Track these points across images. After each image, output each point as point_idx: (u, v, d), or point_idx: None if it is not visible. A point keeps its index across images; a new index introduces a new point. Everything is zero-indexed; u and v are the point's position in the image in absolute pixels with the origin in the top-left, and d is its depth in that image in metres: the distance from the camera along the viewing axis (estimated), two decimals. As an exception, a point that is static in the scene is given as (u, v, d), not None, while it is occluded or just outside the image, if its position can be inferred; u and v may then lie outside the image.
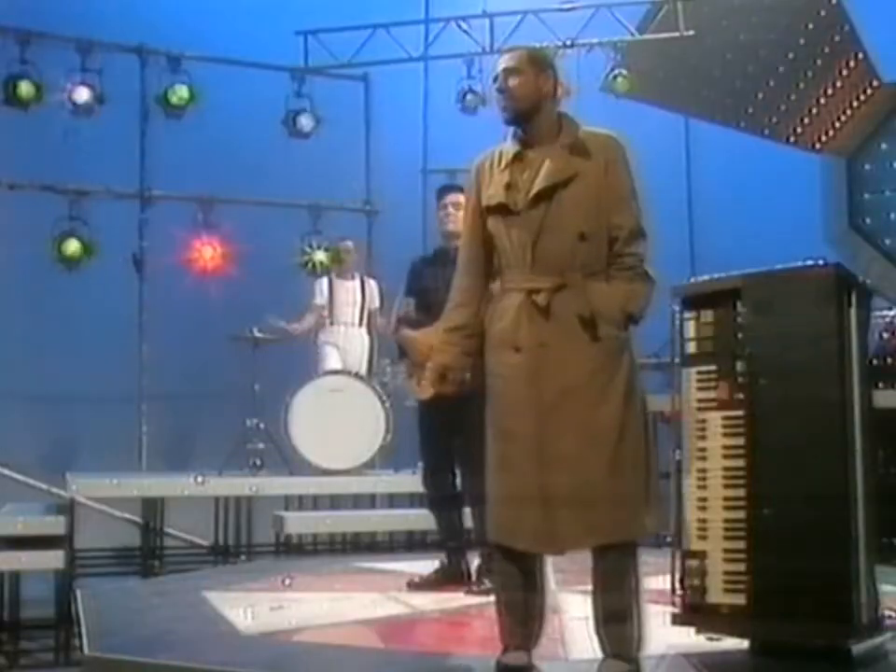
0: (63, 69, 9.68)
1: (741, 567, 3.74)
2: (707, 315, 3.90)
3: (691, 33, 10.16)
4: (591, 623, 3.54)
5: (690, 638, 3.90)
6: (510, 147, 3.58)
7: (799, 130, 10.39)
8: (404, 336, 5.73)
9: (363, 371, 8.78)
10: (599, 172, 3.49)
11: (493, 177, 3.56)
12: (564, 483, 3.37)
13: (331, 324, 8.91)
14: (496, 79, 3.57)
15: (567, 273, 3.44)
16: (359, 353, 8.95)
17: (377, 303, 8.90)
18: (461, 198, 5.61)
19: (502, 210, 3.51)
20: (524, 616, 3.54)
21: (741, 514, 3.76)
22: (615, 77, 10.46)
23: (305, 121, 10.67)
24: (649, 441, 3.54)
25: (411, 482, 7.94)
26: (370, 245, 10.76)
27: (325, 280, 9.04)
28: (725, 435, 3.82)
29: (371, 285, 8.97)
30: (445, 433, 5.43)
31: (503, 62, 3.57)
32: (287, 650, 4.27)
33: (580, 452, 3.38)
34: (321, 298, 8.92)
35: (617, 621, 3.44)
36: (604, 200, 3.48)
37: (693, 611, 3.85)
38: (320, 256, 10.48)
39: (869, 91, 10.10)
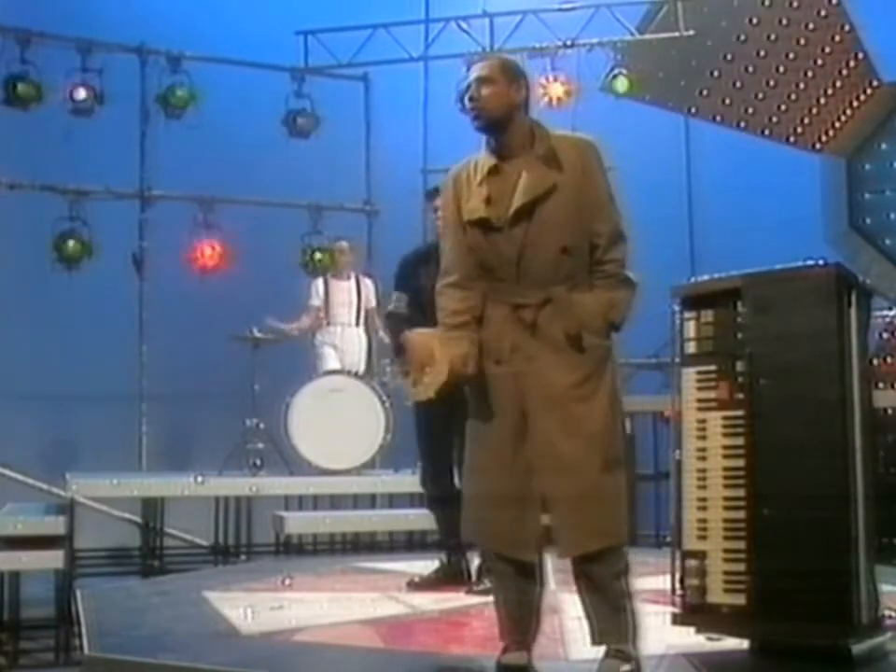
0: (63, 69, 9.70)
1: (741, 566, 3.74)
2: (708, 315, 3.90)
3: (691, 33, 10.18)
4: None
5: (690, 638, 3.90)
6: (484, 160, 3.55)
7: (799, 130, 10.40)
8: (405, 338, 5.71)
9: (361, 370, 8.79)
10: (576, 180, 3.46)
11: (471, 191, 3.53)
12: (558, 490, 3.38)
13: (328, 324, 8.92)
14: (467, 88, 3.54)
15: (552, 287, 3.44)
16: (357, 353, 8.96)
17: (374, 302, 8.89)
18: None
19: (484, 225, 3.49)
20: (523, 616, 3.54)
21: (741, 514, 3.76)
22: (615, 76, 10.47)
23: (305, 121, 10.69)
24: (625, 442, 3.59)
25: (411, 482, 7.93)
26: (370, 244, 10.77)
27: (320, 281, 9.04)
28: (725, 435, 3.82)
29: (368, 284, 8.97)
30: (443, 432, 5.44)
31: (475, 71, 3.56)
32: (286, 649, 4.27)
33: (572, 458, 3.38)
34: (317, 298, 8.92)
35: (617, 620, 3.45)
36: (583, 208, 3.46)
37: (693, 611, 3.85)
38: (320, 256, 10.49)
39: (869, 91, 10.11)
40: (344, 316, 8.90)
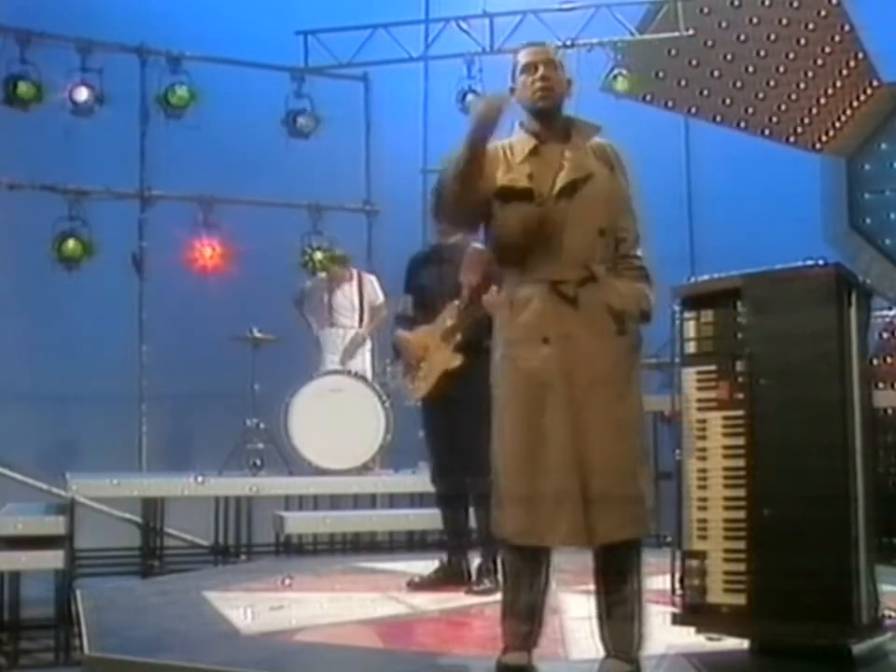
0: (63, 69, 9.71)
1: (741, 566, 3.75)
2: (708, 315, 3.91)
3: (690, 33, 10.19)
4: (593, 622, 3.54)
5: (690, 638, 3.90)
6: (523, 141, 3.59)
7: (799, 130, 10.40)
8: (398, 337, 5.75)
9: (368, 373, 8.77)
10: (609, 174, 3.57)
11: (510, 165, 3.56)
12: (594, 477, 3.37)
13: (331, 326, 8.90)
14: (534, 68, 3.56)
15: (590, 266, 3.48)
16: (361, 354, 8.93)
17: (381, 298, 8.84)
18: None
19: (524, 198, 3.50)
20: (528, 617, 3.52)
21: (741, 514, 3.76)
22: (615, 76, 10.47)
23: (305, 121, 10.69)
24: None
25: (411, 482, 7.97)
26: (370, 244, 10.77)
27: (322, 280, 9.00)
28: (725, 435, 3.83)
29: (371, 281, 8.94)
30: (448, 432, 5.45)
31: (544, 52, 3.62)
32: (286, 649, 4.27)
33: (607, 445, 3.39)
34: (320, 300, 8.90)
35: (623, 618, 3.46)
36: (612, 202, 3.56)
37: (694, 611, 3.86)
38: (320, 256, 10.49)
39: (869, 91, 10.12)
40: (347, 319, 8.88)
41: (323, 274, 9.11)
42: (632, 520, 3.42)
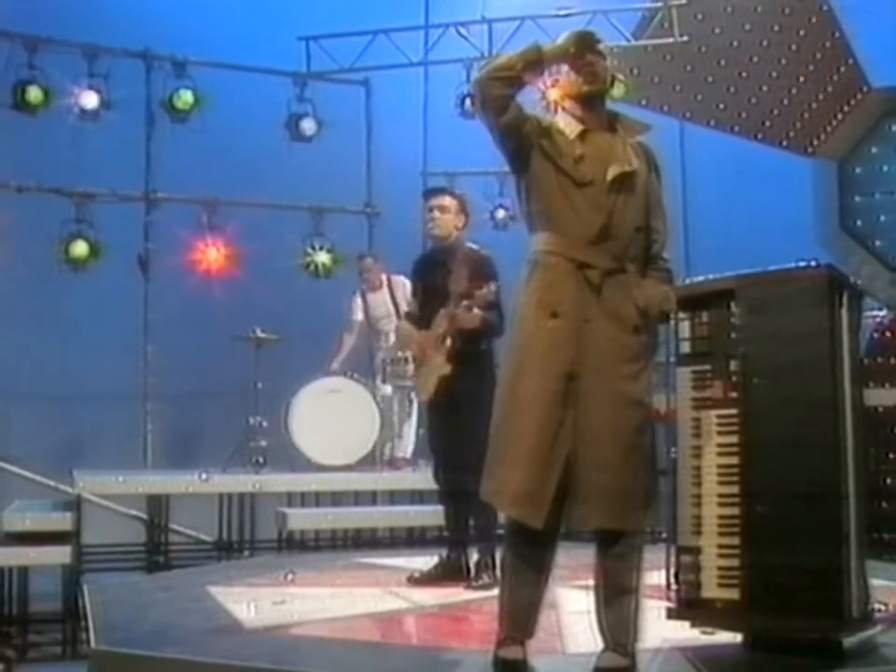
0: (70, 74, 9.71)
1: (735, 562, 3.80)
2: (702, 316, 3.96)
3: (685, 39, 10.23)
4: (589, 616, 3.61)
5: (684, 632, 3.96)
6: (570, 125, 3.59)
7: (791, 134, 10.41)
8: (398, 326, 5.82)
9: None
10: (646, 174, 3.62)
11: (556, 139, 3.54)
12: (595, 464, 3.40)
13: (376, 338, 8.94)
14: (589, 54, 3.61)
15: (622, 260, 3.51)
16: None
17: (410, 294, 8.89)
18: (446, 201, 5.69)
19: (571, 175, 3.50)
20: (527, 610, 3.56)
21: (735, 511, 3.82)
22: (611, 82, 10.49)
23: (307, 125, 10.72)
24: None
25: (411, 479, 8.04)
26: (371, 246, 10.83)
27: (358, 297, 9.02)
28: (719, 433, 3.88)
29: (401, 282, 8.96)
30: (449, 431, 5.53)
31: (598, 46, 3.66)
32: (289, 644, 4.31)
33: (607, 434, 3.42)
34: (360, 313, 8.95)
35: (619, 612, 3.51)
36: (650, 201, 3.62)
37: (688, 606, 3.92)
38: (322, 257, 10.55)
39: (859, 96, 10.15)
40: (389, 325, 8.91)
41: (357, 297, 9.06)
42: (606, 512, 3.42)
